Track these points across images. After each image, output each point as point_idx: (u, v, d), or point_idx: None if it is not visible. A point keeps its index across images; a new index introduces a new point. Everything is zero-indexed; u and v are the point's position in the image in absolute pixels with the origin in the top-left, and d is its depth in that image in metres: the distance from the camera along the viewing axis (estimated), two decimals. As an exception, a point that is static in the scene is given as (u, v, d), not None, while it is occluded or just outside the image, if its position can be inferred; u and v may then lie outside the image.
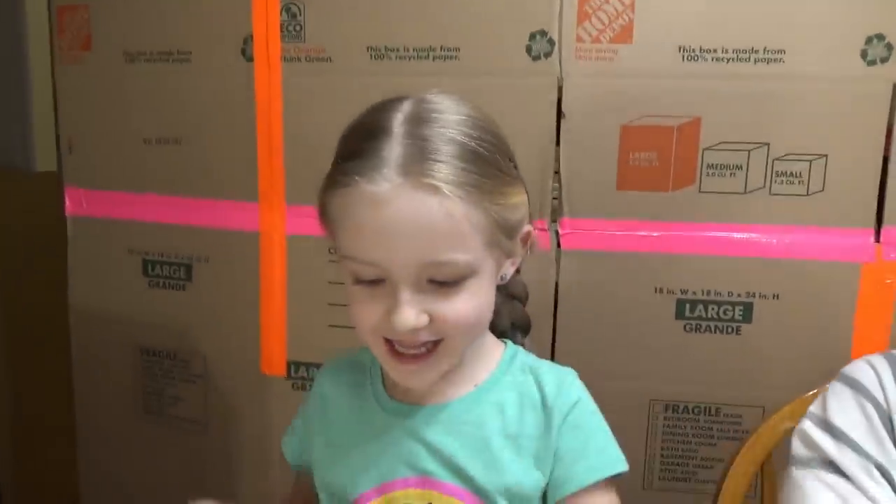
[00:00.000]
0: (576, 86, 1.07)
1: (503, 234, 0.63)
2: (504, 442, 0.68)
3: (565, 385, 0.71)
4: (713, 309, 1.10)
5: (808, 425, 0.69)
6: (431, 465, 0.67)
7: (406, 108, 0.62)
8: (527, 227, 0.68)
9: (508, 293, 0.77)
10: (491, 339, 0.74)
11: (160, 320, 1.30)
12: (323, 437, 0.73)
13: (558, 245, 1.11)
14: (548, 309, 1.12)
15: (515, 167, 0.68)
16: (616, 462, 0.68)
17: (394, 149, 0.59)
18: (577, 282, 1.11)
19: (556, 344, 1.12)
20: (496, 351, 0.73)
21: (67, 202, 1.33)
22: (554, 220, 1.11)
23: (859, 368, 0.70)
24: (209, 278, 1.26)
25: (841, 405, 0.68)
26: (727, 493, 0.83)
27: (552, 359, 1.12)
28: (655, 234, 1.09)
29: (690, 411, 1.12)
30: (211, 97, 1.20)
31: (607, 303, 1.11)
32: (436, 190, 0.57)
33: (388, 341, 0.62)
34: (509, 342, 0.75)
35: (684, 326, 1.11)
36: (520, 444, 0.68)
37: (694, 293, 1.10)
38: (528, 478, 0.67)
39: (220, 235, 1.23)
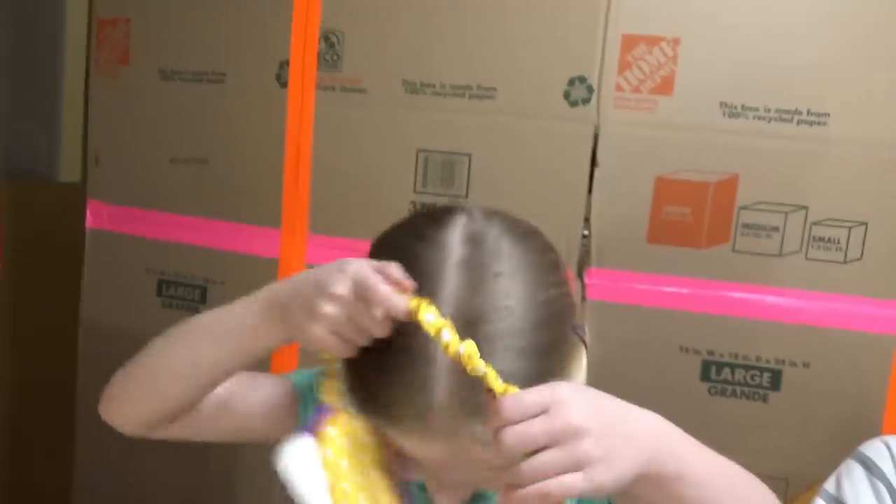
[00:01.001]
0: (612, 134, 1.05)
1: None
2: None
3: None
4: (740, 373, 1.06)
5: None
6: None
7: (449, 304, 0.48)
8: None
9: None
10: None
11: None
12: None
13: (583, 295, 1.08)
14: (568, 360, 1.08)
15: (575, 327, 0.57)
16: None
17: (437, 383, 0.47)
18: (599, 334, 1.08)
19: (575, 397, 1.08)
20: None
21: (89, 215, 1.32)
22: (581, 270, 1.08)
23: (875, 448, 0.69)
24: (223, 302, 1.22)
25: (854, 486, 0.67)
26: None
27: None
28: (685, 290, 1.06)
29: (711, 478, 1.07)
30: (242, 120, 1.20)
31: (630, 358, 1.08)
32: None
33: None
34: None
35: (709, 389, 1.07)
36: None
37: (721, 355, 1.06)
38: None
39: (238, 259, 1.21)
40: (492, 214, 0.53)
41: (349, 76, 1.13)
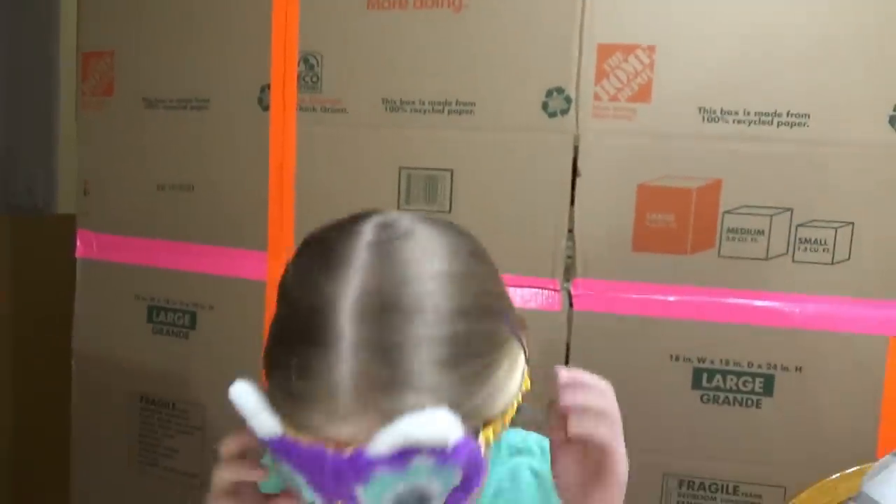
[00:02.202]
0: (592, 144, 1.05)
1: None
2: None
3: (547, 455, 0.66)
4: (732, 380, 1.04)
5: None
6: None
7: (358, 277, 0.46)
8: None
9: None
10: None
11: (162, 368, 1.27)
12: None
13: (570, 306, 1.07)
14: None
15: (507, 316, 0.53)
16: None
17: (343, 363, 0.45)
18: (588, 345, 1.07)
19: (566, 410, 1.07)
20: None
21: (79, 245, 1.33)
22: (567, 280, 1.08)
23: None
24: (213, 326, 1.23)
25: None
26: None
27: (561, 425, 1.07)
28: (672, 298, 1.05)
29: (707, 488, 1.06)
30: (226, 145, 1.20)
31: (620, 368, 1.05)
32: (398, 412, 0.45)
33: None
34: None
35: (701, 397, 1.05)
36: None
37: (712, 362, 1.05)
38: None
39: (227, 283, 1.21)
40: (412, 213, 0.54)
41: (329, 97, 1.14)
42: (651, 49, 1.02)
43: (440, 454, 0.44)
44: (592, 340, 1.07)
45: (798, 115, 1.01)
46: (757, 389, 1.04)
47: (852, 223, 1.01)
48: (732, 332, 1.04)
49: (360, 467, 0.44)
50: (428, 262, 0.48)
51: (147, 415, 1.29)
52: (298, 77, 1.14)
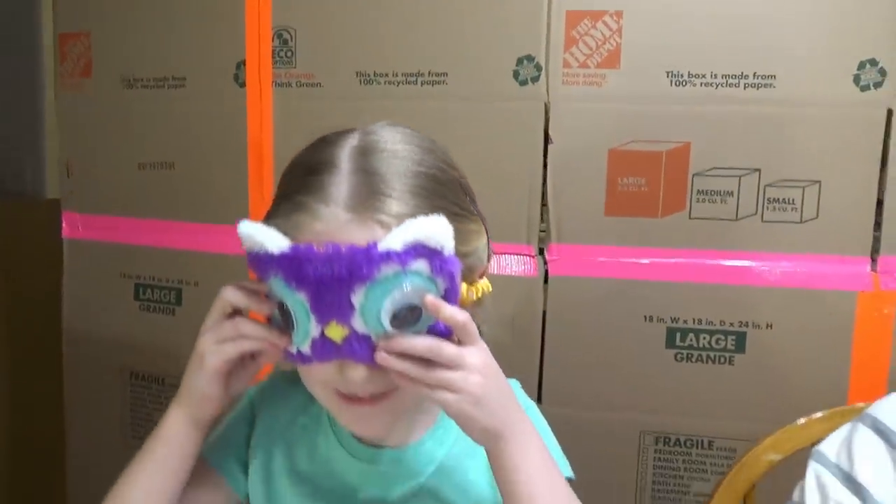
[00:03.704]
0: (563, 111, 1.06)
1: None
2: (470, 466, 0.65)
3: None
4: (705, 338, 1.07)
5: (828, 478, 0.56)
6: (395, 502, 0.65)
7: (353, 140, 0.58)
8: (482, 267, 0.62)
9: None
10: None
11: (150, 345, 1.29)
12: (261, 468, 0.68)
13: (546, 271, 1.09)
14: (535, 336, 1.09)
15: (473, 202, 0.63)
16: (564, 467, 0.65)
17: (341, 183, 0.55)
18: (565, 309, 1.09)
19: (544, 372, 1.10)
20: None
21: (64, 225, 1.34)
22: (541, 247, 1.10)
23: (892, 411, 0.57)
24: (199, 302, 1.25)
25: (872, 460, 0.55)
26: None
27: (539, 387, 1.10)
28: (645, 260, 1.07)
29: (682, 444, 1.09)
30: (204, 122, 1.21)
31: (596, 331, 1.09)
32: (386, 228, 0.53)
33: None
34: None
35: (675, 356, 1.08)
36: (485, 468, 0.66)
37: (685, 322, 1.07)
38: (497, 500, 0.65)
39: (210, 259, 1.23)
40: None
41: (304, 71, 1.15)
42: (618, 15, 1.04)
43: (437, 258, 0.52)
44: (568, 304, 1.09)
45: (764, 77, 1.02)
46: (729, 347, 1.06)
47: (819, 182, 1.03)
48: (704, 291, 1.06)
49: (372, 258, 0.50)
50: (404, 139, 0.59)
51: (138, 390, 1.32)
52: (273, 52, 1.15)
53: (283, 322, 0.55)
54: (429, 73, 1.10)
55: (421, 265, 0.52)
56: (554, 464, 0.57)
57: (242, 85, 1.18)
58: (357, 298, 0.51)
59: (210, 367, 0.58)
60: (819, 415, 0.81)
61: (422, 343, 0.53)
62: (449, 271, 0.53)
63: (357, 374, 0.54)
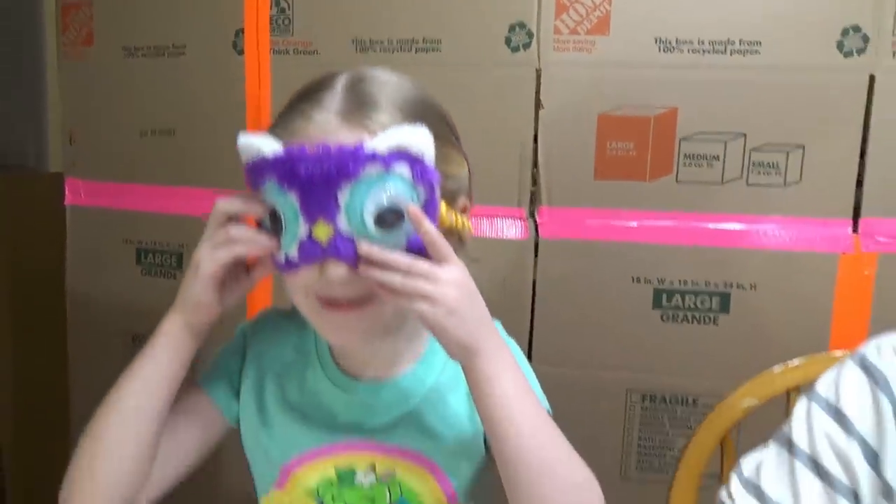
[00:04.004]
0: (554, 76, 1.09)
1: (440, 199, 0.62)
2: (451, 398, 0.69)
3: None
4: (690, 299, 1.10)
5: (816, 409, 0.57)
6: (378, 430, 0.68)
7: (348, 74, 0.63)
8: (464, 201, 0.67)
9: None
10: None
11: (152, 308, 1.30)
12: (253, 396, 0.72)
13: (536, 234, 1.12)
14: (525, 297, 1.13)
15: (457, 139, 0.68)
16: (542, 401, 0.68)
17: (335, 96, 0.60)
18: (555, 271, 1.12)
19: (534, 332, 1.13)
20: None
21: (67, 193, 1.37)
22: (532, 210, 1.13)
23: (883, 358, 0.57)
24: (199, 266, 1.28)
25: (856, 393, 0.56)
26: (685, 468, 0.83)
27: (530, 346, 1.13)
28: (633, 223, 1.10)
29: (667, 402, 1.12)
30: (204, 90, 1.24)
31: (585, 292, 1.12)
32: (373, 135, 0.57)
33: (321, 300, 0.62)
34: None
35: (661, 316, 1.11)
36: (458, 399, 0.69)
37: (671, 283, 1.10)
38: (477, 430, 0.68)
39: (210, 224, 1.25)
40: None
41: (301, 38, 1.17)
42: (608, -19, 1.06)
43: (418, 165, 0.56)
44: (558, 266, 1.12)
45: (750, 43, 1.05)
46: (714, 307, 1.10)
47: (803, 146, 1.06)
48: (690, 253, 1.09)
49: (358, 157, 0.55)
50: (396, 75, 0.65)
51: (140, 353, 1.35)
52: (270, 20, 1.18)
53: (272, 230, 0.59)
54: (423, 39, 1.12)
55: (403, 170, 0.56)
56: (527, 383, 0.60)
57: (241, 53, 1.20)
58: (343, 197, 0.56)
59: (204, 274, 0.61)
60: (796, 362, 0.84)
61: (401, 257, 0.57)
62: (429, 181, 0.57)
63: (337, 272, 0.57)
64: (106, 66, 1.31)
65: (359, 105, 0.59)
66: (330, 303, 0.60)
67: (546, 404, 0.68)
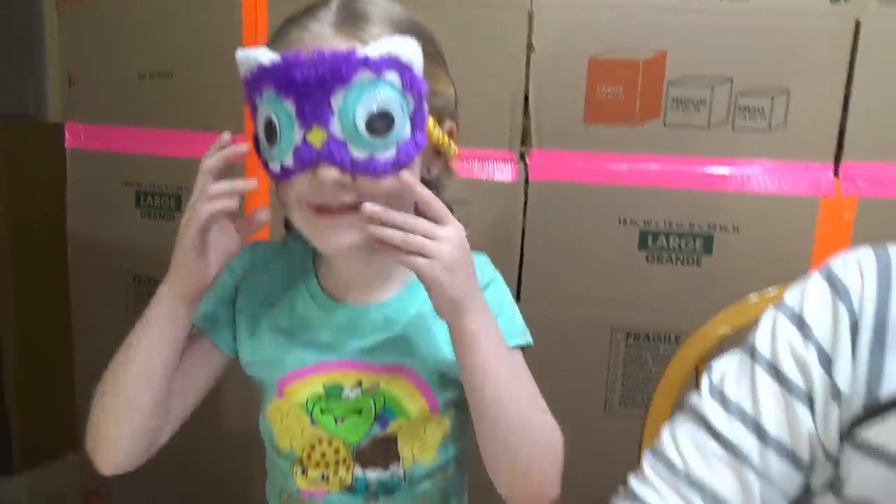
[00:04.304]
0: (545, 19, 1.10)
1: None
2: (433, 323, 0.72)
3: (479, 269, 0.74)
4: (675, 240, 1.13)
5: (780, 318, 0.60)
6: (364, 351, 0.72)
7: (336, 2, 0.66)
8: (450, 124, 0.70)
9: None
10: None
11: (151, 249, 1.35)
12: (246, 324, 0.74)
13: (526, 176, 1.15)
14: (515, 238, 1.16)
15: (444, 64, 0.70)
16: (524, 333, 0.72)
17: (329, 13, 0.63)
18: (543, 212, 1.15)
19: (523, 272, 1.16)
20: None
21: (67, 136, 1.39)
22: (523, 152, 1.15)
23: (848, 270, 0.59)
24: (198, 208, 1.31)
25: (818, 303, 0.59)
26: (660, 395, 0.87)
27: (519, 286, 1.17)
28: (621, 166, 1.13)
29: (651, 339, 1.16)
30: (201, 31, 1.25)
31: (573, 233, 1.15)
32: (364, 44, 0.60)
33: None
34: None
35: (647, 257, 1.14)
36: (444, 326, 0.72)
37: (657, 225, 1.13)
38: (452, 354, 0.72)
39: (208, 166, 1.28)
40: None
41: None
42: (600, -75, 1.07)
43: (408, 73, 0.60)
44: (547, 208, 1.15)
45: (739, -13, 1.06)
46: (697, 249, 1.13)
47: (788, 91, 1.08)
48: (676, 196, 1.12)
49: (350, 62, 0.58)
50: (388, 1, 0.67)
51: (142, 295, 1.38)
52: (268, -40, 1.19)
53: (267, 141, 0.62)
54: (418, -18, 1.13)
55: (393, 77, 0.59)
56: (504, 342, 0.66)
57: (238, -7, 1.22)
58: (336, 102, 0.59)
59: (188, 240, 0.63)
60: (772, 291, 0.87)
61: (402, 215, 0.60)
62: (418, 90, 0.61)
63: (329, 173, 0.60)
64: (104, 8, 1.32)
65: (352, 19, 0.62)
66: (322, 209, 0.63)
67: (529, 338, 0.72)
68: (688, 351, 0.87)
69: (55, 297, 1.51)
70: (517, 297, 1.16)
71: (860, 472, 0.54)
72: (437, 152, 0.69)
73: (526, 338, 0.72)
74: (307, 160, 0.60)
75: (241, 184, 0.63)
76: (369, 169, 0.61)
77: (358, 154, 0.60)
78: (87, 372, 1.46)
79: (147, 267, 1.37)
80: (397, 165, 0.61)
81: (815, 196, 1.10)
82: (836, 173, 1.09)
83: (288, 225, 0.78)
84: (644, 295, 1.15)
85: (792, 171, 1.10)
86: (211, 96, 1.26)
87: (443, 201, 0.72)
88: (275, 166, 0.63)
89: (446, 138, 0.66)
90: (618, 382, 1.17)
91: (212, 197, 0.63)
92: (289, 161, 0.61)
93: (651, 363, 1.16)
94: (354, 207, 0.62)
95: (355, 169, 0.61)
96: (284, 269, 0.76)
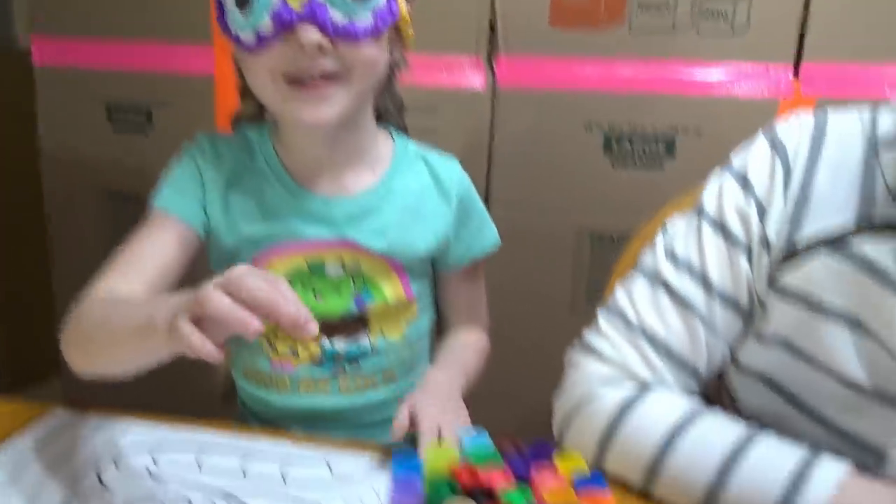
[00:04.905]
0: (511, -78, 1.10)
1: None
2: (412, 219, 0.74)
3: (456, 172, 0.77)
4: (639, 143, 1.16)
5: (727, 178, 0.65)
6: (349, 230, 0.72)
7: None
8: (407, 6, 0.68)
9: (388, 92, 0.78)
10: (381, 131, 0.77)
11: (125, 164, 1.36)
12: (219, 207, 0.72)
13: (494, 83, 1.16)
14: (483, 145, 1.18)
15: None
16: (496, 237, 0.80)
17: None
18: (511, 117, 1.17)
19: (491, 178, 1.19)
20: (387, 142, 0.77)
21: (34, 52, 1.38)
22: (490, 59, 1.16)
23: (789, 129, 0.63)
24: (169, 122, 1.32)
25: (760, 162, 0.63)
26: (617, 274, 0.91)
27: (487, 193, 1.19)
28: (587, 70, 1.14)
29: (615, 241, 1.19)
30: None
31: (539, 139, 1.17)
32: None
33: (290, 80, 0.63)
34: (395, 134, 0.79)
35: (612, 163, 1.17)
36: (424, 223, 0.75)
37: (621, 129, 1.16)
38: (429, 249, 0.75)
39: (178, 81, 1.28)
40: None
41: None
42: None
43: None
44: (515, 113, 1.17)
45: None
46: (660, 152, 1.15)
47: (750, -7, 1.09)
48: (640, 100, 1.14)
49: None
50: None
51: (116, 211, 1.39)
52: None
53: (239, 7, 0.61)
54: None
55: None
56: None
57: None
58: None
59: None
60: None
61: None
62: None
63: (312, 34, 0.60)
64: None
65: None
66: (299, 81, 0.62)
67: (496, 238, 0.79)
68: (644, 232, 0.90)
69: (31, 219, 1.51)
70: (485, 202, 1.18)
71: (778, 314, 0.58)
72: (398, 34, 0.70)
73: (494, 238, 0.80)
74: (287, 21, 0.60)
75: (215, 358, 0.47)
76: (350, 33, 0.61)
77: (338, 17, 0.60)
78: (65, 287, 1.48)
79: (120, 182, 1.38)
80: (376, 32, 0.62)
81: (775, 98, 1.12)
82: (795, 74, 1.11)
83: (236, 123, 0.77)
84: (609, 199, 1.18)
85: (753, 74, 1.12)
86: (179, 6, 1.25)
87: (399, 82, 0.74)
88: (247, 36, 0.62)
89: (408, 17, 0.68)
90: (583, 283, 1.21)
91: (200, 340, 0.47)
92: (266, 26, 0.60)
93: (615, 265, 1.20)
94: (332, 78, 0.62)
95: (336, 32, 0.60)
96: (246, 157, 0.74)
